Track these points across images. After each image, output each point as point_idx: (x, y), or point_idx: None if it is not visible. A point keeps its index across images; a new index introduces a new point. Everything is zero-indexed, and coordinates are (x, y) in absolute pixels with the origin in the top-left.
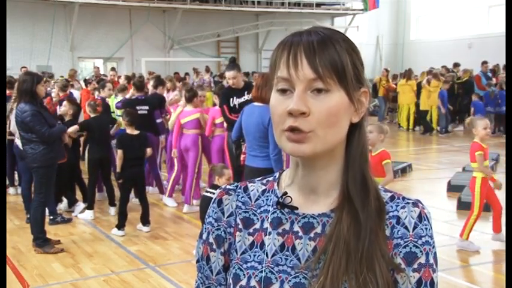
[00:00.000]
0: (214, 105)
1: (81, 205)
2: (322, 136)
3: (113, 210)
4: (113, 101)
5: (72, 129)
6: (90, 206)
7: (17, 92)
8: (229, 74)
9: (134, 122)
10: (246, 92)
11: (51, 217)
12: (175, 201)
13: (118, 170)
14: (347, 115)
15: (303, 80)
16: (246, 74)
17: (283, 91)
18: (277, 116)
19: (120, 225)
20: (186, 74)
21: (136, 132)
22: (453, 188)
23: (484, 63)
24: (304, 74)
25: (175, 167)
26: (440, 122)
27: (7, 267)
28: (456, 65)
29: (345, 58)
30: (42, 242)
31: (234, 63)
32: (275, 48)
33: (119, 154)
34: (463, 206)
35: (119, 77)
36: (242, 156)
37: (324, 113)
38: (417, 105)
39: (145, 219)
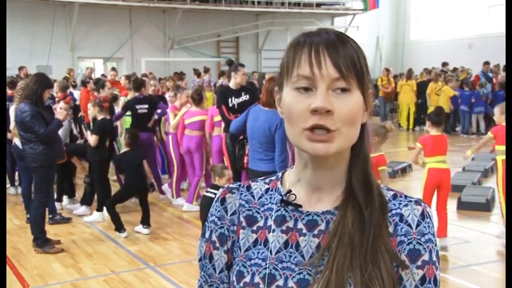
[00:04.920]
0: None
1: (82, 207)
2: (346, 135)
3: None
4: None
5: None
6: (101, 207)
7: (21, 90)
8: (243, 69)
9: (134, 144)
10: (243, 93)
11: (50, 216)
12: (184, 199)
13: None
14: (361, 115)
15: (326, 79)
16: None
17: (305, 89)
18: (297, 115)
19: (118, 227)
20: (181, 72)
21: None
22: (453, 188)
23: (486, 63)
24: (328, 73)
25: (175, 168)
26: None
27: (7, 267)
28: (445, 64)
29: (362, 59)
30: (42, 242)
31: (237, 62)
32: (289, 47)
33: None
34: (463, 206)
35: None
36: (246, 158)
37: (346, 112)
38: (417, 105)
39: (146, 221)
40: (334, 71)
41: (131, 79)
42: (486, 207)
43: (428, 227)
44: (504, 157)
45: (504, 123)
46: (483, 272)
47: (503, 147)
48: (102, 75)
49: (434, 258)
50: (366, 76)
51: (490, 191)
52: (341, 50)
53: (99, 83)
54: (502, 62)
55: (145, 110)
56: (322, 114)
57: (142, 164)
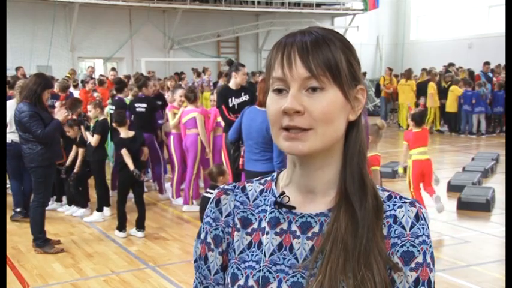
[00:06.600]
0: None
1: (82, 209)
2: (321, 134)
3: (107, 211)
4: (127, 102)
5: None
6: (101, 207)
7: (20, 90)
8: (244, 69)
9: (123, 121)
10: (243, 93)
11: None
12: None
13: (132, 167)
14: (343, 113)
15: (297, 79)
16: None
17: (278, 91)
18: (272, 115)
19: (121, 227)
20: (181, 73)
21: (131, 133)
22: (453, 188)
23: (486, 63)
24: (298, 73)
25: (176, 168)
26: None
27: (7, 267)
28: (451, 64)
29: (339, 56)
30: (42, 242)
31: (238, 62)
32: (270, 50)
33: (124, 153)
34: (463, 206)
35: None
36: (241, 160)
37: (319, 111)
38: (417, 105)
39: (140, 224)
40: (304, 71)
41: (134, 79)
42: (486, 207)
43: (423, 228)
44: (415, 158)
45: (414, 129)
46: (483, 272)
47: (415, 150)
48: (101, 75)
49: (429, 260)
50: (346, 74)
51: (490, 191)
52: (313, 51)
53: (121, 84)
54: (502, 62)
55: (143, 109)
56: (292, 115)
57: (139, 151)
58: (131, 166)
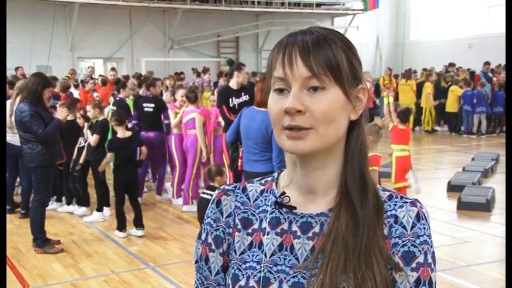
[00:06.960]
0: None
1: (82, 208)
2: (322, 133)
3: (107, 211)
4: (130, 102)
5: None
6: (101, 207)
7: (19, 90)
8: (246, 68)
9: (122, 121)
10: (243, 93)
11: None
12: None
13: (101, 169)
14: (345, 112)
15: (298, 79)
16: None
17: (280, 91)
18: (274, 115)
19: (121, 227)
20: (181, 73)
21: (128, 134)
22: (453, 188)
23: (486, 63)
24: (299, 73)
25: (177, 168)
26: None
27: (7, 267)
28: (451, 64)
29: (340, 56)
30: (42, 242)
31: (239, 62)
32: (272, 49)
33: (107, 157)
34: (463, 206)
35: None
36: (239, 161)
37: (320, 110)
38: (417, 105)
39: (138, 223)
40: (305, 70)
41: (142, 79)
42: (486, 207)
43: (424, 228)
44: (398, 154)
45: (399, 126)
46: (483, 272)
47: (397, 146)
48: (100, 75)
49: (430, 260)
50: (347, 74)
51: (490, 191)
52: (314, 50)
53: (119, 84)
54: (502, 62)
55: (151, 109)
56: (293, 114)
57: (135, 153)
58: (101, 168)
